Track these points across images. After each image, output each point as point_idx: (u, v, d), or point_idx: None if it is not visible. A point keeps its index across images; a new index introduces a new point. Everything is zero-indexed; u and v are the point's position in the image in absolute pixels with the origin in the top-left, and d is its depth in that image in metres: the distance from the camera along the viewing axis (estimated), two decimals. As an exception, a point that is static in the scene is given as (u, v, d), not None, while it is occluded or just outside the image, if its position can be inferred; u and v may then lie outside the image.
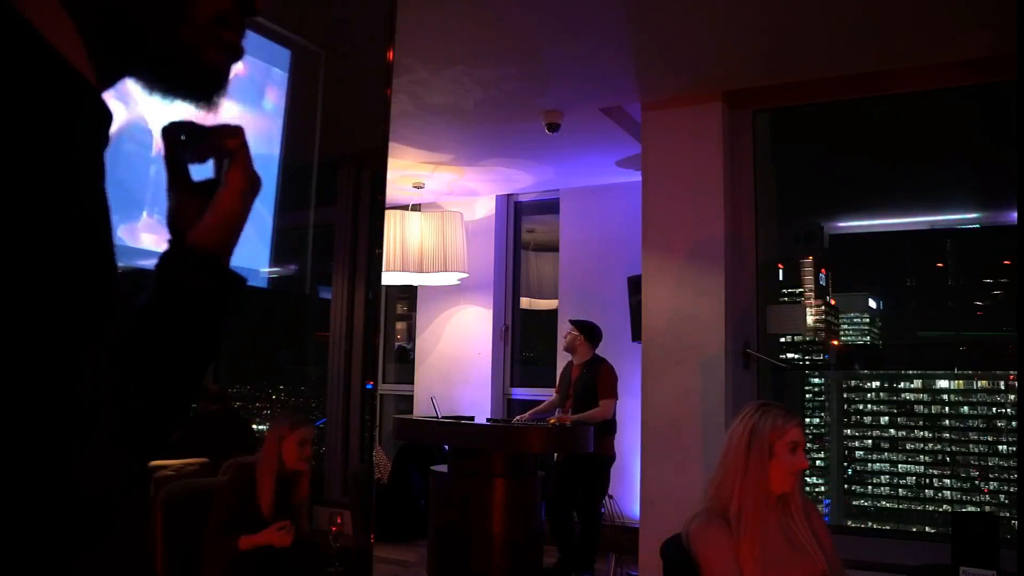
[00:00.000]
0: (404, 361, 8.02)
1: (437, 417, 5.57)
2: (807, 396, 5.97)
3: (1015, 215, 3.52)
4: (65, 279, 0.55)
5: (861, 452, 5.94)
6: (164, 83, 0.73)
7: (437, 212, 6.71)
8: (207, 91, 0.76)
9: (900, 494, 5.80)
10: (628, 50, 4.03)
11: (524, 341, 7.46)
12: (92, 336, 0.57)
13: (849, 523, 5.93)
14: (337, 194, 4.40)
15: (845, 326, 5.94)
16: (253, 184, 0.82)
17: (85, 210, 0.59)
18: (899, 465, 5.80)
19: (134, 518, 0.63)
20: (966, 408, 5.64)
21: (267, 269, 3.52)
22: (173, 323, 0.79)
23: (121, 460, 0.62)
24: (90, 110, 0.61)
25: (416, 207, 6.90)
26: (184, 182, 0.82)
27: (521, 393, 7.20)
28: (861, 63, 4.12)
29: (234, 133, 0.82)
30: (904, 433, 5.80)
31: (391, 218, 6.38)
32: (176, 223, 0.81)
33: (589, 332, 5.60)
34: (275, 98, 3.45)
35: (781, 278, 5.41)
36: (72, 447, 0.54)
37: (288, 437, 3.08)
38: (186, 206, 0.81)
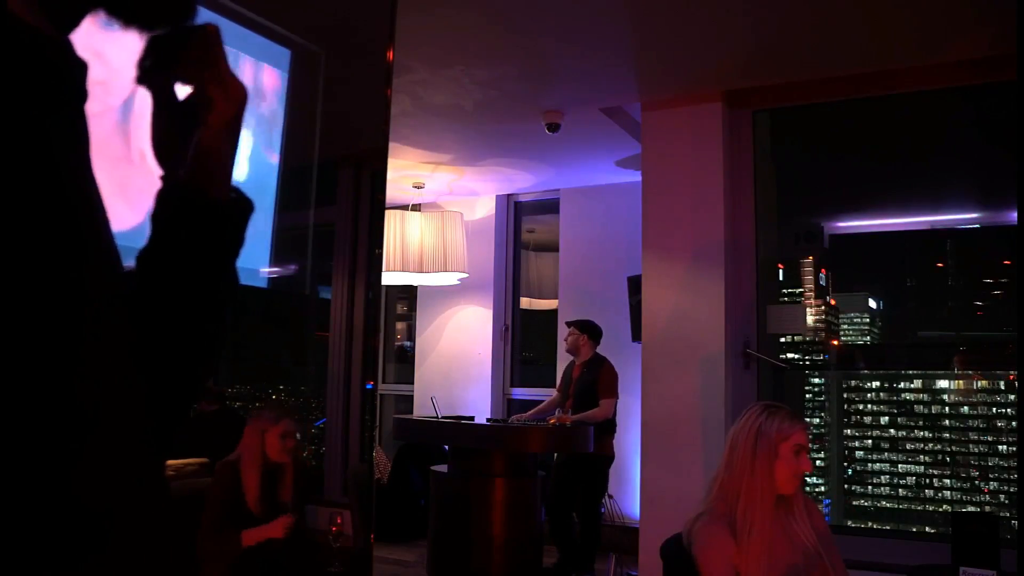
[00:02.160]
0: (404, 361, 8.02)
1: (437, 417, 5.57)
2: (807, 396, 5.97)
3: (1015, 215, 3.51)
4: (55, 265, 0.50)
5: (861, 452, 5.94)
6: (125, 13, 0.66)
7: (437, 212, 6.71)
8: (171, 16, 0.69)
9: (900, 494, 5.80)
10: (628, 50, 4.03)
11: (524, 341, 7.46)
12: (86, 322, 0.52)
13: (849, 523, 5.93)
14: (337, 194, 4.40)
15: (845, 326, 5.94)
16: (236, 102, 0.73)
17: (65, 184, 0.53)
18: (899, 465, 5.80)
19: (146, 517, 0.60)
20: (966, 408, 5.64)
21: (267, 269, 3.52)
22: (177, 268, 0.71)
23: (130, 458, 0.58)
24: (52, 63, 0.53)
25: (416, 207, 6.90)
26: (169, 105, 0.73)
27: (521, 393, 7.20)
28: (861, 63, 4.12)
29: (205, 50, 0.71)
30: (904, 433, 5.81)
31: (391, 218, 6.38)
32: (164, 153, 0.73)
33: (591, 331, 5.61)
34: (275, 98, 3.46)
35: (781, 278, 5.41)
36: (74, 448, 0.51)
37: (270, 431, 3.09)
38: (173, 133, 0.73)
